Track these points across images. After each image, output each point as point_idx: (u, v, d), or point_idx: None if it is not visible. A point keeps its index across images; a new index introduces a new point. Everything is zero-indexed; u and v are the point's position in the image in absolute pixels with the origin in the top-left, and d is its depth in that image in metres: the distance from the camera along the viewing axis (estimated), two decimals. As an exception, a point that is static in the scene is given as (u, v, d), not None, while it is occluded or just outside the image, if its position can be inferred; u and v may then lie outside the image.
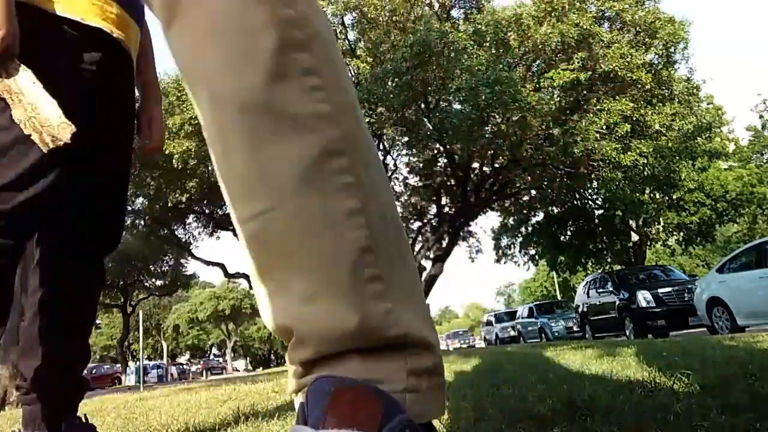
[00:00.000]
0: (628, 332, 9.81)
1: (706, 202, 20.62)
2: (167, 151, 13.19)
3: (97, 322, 47.44)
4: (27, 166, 1.12)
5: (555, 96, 12.40)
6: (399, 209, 19.96)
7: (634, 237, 20.80)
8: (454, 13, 15.11)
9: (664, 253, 29.16)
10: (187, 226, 21.29)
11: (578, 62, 11.89)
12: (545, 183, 16.14)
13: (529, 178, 16.07)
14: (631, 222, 20.46)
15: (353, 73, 13.71)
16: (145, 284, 27.76)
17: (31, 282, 1.33)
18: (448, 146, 14.05)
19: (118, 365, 29.49)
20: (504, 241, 24.32)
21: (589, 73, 11.98)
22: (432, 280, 16.40)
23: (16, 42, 1.12)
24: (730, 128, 24.09)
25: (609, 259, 22.33)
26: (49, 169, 1.15)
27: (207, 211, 20.43)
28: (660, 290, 9.54)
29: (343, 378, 0.44)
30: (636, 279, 11.22)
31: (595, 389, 1.55)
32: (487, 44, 13.07)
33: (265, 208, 0.48)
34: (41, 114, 1.12)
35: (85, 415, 1.38)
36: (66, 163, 1.20)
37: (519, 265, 24.99)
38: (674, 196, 19.23)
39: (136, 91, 1.49)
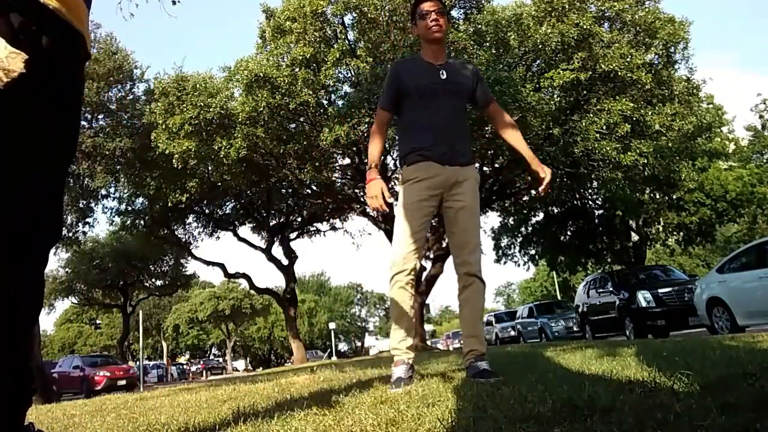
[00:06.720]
0: (628, 332, 9.80)
1: (706, 202, 20.61)
2: (167, 151, 13.15)
3: (97, 322, 47.46)
4: None
5: (555, 96, 12.39)
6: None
7: (634, 237, 20.81)
8: (454, 13, 15.08)
9: (664, 253, 29.17)
10: (187, 226, 21.29)
11: (578, 62, 11.88)
12: (545, 183, 16.10)
13: (529, 178, 16.08)
14: (631, 222, 20.47)
15: (353, 73, 13.68)
16: (145, 284, 27.74)
17: None
18: (448, 146, 14.03)
19: (118, 365, 29.47)
20: (504, 241, 24.34)
21: (589, 73, 11.97)
22: (432, 280, 16.40)
23: None
24: (730, 128, 24.09)
25: (609, 259, 22.34)
26: None
27: (207, 211, 20.44)
28: (660, 290, 9.53)
29: None
30: (636, 279, 11.20)
31: (595, 389, 1.55)
32: (487, 44, 13.06)
33: None
34: None
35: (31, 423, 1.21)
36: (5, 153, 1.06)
37: (519, 265, 25.01)
38: (674, 196, 19.23)
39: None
